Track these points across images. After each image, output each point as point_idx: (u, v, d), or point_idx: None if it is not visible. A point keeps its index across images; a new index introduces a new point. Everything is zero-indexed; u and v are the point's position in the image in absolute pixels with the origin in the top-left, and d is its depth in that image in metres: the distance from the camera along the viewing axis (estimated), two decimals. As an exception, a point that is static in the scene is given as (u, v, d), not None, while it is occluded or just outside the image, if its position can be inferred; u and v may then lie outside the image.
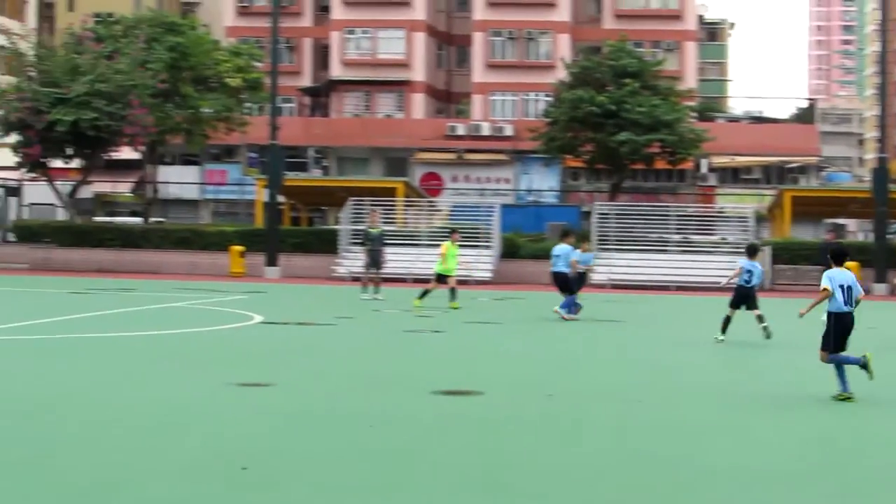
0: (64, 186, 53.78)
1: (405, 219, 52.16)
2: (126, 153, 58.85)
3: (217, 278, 44.53)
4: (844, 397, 12.75)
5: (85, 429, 10.07)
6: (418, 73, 76.52)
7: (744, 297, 20.85)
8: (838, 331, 12.98)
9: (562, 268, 25.41)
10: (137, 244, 50.68)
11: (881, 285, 42.91)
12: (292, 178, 56.29)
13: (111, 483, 7.98)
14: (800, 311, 13.49)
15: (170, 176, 72.31)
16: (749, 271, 20.80)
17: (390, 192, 51.66)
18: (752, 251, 21.53)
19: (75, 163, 53.22)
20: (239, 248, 47.74)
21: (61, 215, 56.40)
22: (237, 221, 65.56)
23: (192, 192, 73.73)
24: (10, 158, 52.81)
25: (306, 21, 79.83)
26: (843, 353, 12.99)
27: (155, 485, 7.97)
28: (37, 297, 30.53)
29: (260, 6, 76.38)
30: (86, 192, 57.28)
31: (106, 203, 72.19)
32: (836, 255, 13.41)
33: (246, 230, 51.68)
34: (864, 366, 13.02)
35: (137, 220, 63.26)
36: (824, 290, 12.93)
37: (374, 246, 31.52)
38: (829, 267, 13.21)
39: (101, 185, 67.80)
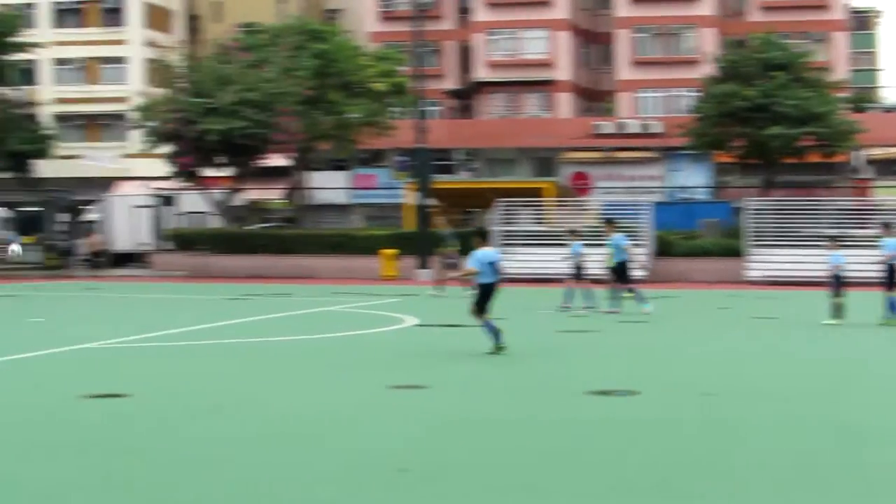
0: (217, 195, 54.79)
1: (554, 219, 51.91)
2: (277, 160, 59.64)
3: (369, 282, 44.59)
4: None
5: (251, 429, 10.30)
6: (563, 73, 76.16)
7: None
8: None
9: None
10: (291, 249, 51.27)
11: None
12: (440, 181, 56.49)
13: (281, 483, 8.17)
14: None
15: (319, 181, 73.03)
16: None
17: (538, 193, 51.47)
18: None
19: (227, 171, 54.12)
20: (391, 251, 47.81)
21: (213, 223, 57.19)
22: (386, 225, 65.85)
23: (341, 197, 74.35)
24: (164, 168, 54.01)
25: (448, 24, 79.92)
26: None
27: (320, 487, 8.14)
28: (199, 303, 31.21)
29: (402, 10, 76.64)
30: (238, 199, 57.98)
31: (259, 210, 73.28)
32: None
33: (396, 233, 51.67)
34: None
35: (288, 225, 63.96)
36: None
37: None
38: None
39: (253, 193, 68.86)
